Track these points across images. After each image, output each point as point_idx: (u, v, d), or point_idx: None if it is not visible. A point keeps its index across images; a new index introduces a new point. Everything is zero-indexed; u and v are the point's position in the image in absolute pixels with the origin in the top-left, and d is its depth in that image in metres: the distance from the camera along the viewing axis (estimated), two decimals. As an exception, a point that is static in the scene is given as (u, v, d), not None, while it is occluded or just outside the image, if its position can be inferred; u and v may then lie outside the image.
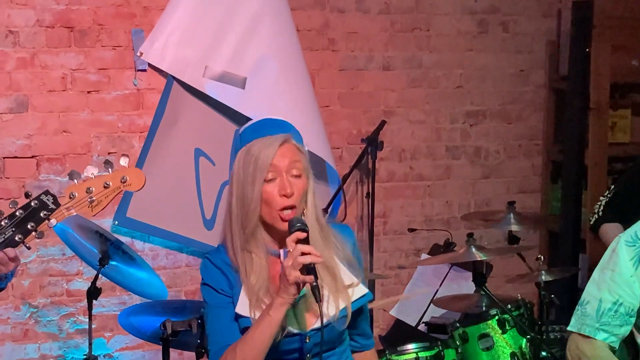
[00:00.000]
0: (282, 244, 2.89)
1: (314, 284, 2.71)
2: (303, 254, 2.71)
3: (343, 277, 2.92)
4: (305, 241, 2.76)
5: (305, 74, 5.27)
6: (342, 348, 2.99)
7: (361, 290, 2.96)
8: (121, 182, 2.93)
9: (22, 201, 2.91)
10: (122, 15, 5.03)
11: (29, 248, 2.98)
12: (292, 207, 2.83)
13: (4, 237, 2.88)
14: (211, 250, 2.97)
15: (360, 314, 3.02)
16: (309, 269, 2.71)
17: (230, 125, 5.05)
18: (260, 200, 2.83)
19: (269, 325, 2.75)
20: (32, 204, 2.89)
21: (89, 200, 2.91)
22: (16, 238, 2.89)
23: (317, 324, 2.84)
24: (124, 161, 2.93)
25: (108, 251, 4.20)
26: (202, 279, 2.94)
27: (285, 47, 5.17)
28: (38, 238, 2.94)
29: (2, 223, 2.89)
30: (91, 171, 2.91)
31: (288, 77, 5.14)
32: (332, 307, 2.87)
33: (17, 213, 2.89)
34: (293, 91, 5.17)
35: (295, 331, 2.85)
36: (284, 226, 2.83)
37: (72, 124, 4.95)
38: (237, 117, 5.01)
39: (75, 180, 2.91)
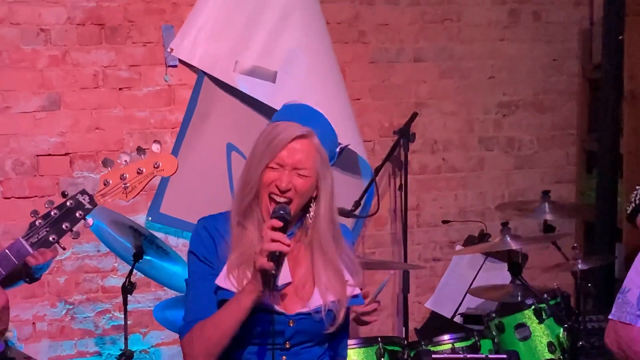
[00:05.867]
0: None
1: (273, 272, 2.65)
2: (273, 241, 2.67)
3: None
4: (282, 230, 2.70)
5: (335, 66, 5.26)
6: (321, 350, 2.92)
7: (353, 291, 2.90)
8: (154, 167, 2.94)
9: (59, 200, 2.91)
10: (152, 12, 5.04)
11: (64, 249, 2.98)
12: (286, 201, 2.78)
13: (37, 237, 2.88)
14: (209, 215, 2.93)
15: (343, 324, 2.92)
16: (275, 257, 2.66)
17: (261, 119, 5.05)
18: (259, 181, 2.79)
19: (236, 310, 2.70)
20: (68, 203, 2.90)
21: (123, 186, 2.93)
22: (50, 238, 2.89)
23: (304, 309, 2.82)
24: (156, 147, 2.94)
25: (142, 246, 4.21)
26: (189, 245, 2.91)
27: (315, 40, 5.16)
28: (74, 238, 2.94)
29: (37, 223, 2.89)
30: (124, 158, 2.94)
31: (318, 70, 5.13)
32: (324, 297, 2.82)
33: (52, 213, 2.89)
34: (324, 84, 5.15)
35: (280, 310, 2.80)
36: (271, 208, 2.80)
37: (104, 121, 4.96)
38: (268, 111, 5.00)
39: (109, 168, 2.92)
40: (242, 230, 2.83)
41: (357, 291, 2.91)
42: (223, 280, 2.79)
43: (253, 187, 2.80)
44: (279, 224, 2.71)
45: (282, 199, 2.78)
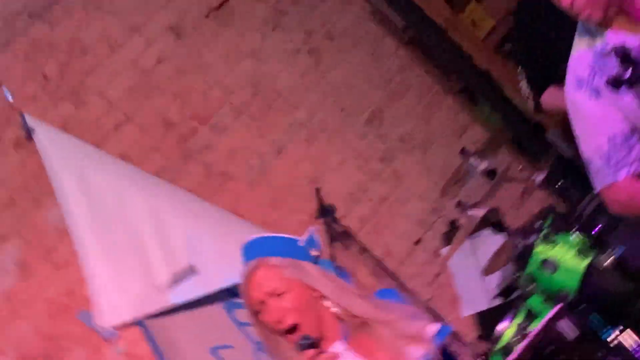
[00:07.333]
0: (327, 341, 2.87)
1: None
2: None
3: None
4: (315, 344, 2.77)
5: (227, 215, 5.26)
6: None
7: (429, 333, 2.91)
8: None
9: None
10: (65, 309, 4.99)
11: None
12: (294, 327, 2.82)
13: None
14: None
15: None
16: None
17: (219, 307, 5.04)
18: (269, 334, 2.85)
19: None
20: None
21: None
22: None
23: None
24: None
25: None
26: None
27: (196, 214, 5.16)
28: None
29: None
30: None
31: (219, 232, 5.12)
32: None
33: None
34: (234, 237, 5.12)
35: None
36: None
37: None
38: (220, 297, 4.99)
39: None
40: None
41: (433, 327, 2.92)
42: None
43: (273, 342, 2.84)
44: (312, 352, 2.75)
45: (293, 335, 2.81)
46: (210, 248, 5.07)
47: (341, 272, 5.20)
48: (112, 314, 4.99)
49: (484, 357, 4.55)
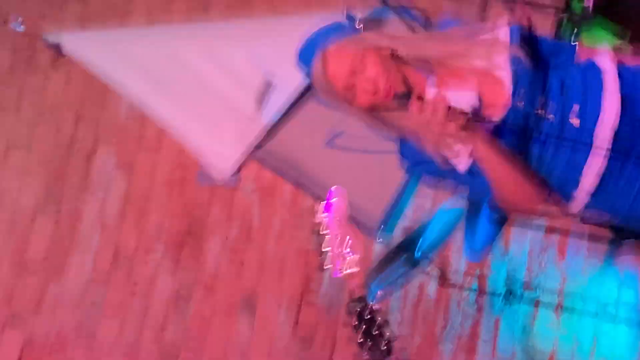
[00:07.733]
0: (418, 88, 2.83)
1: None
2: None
3: None
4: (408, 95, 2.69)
5: (270, 20, 5.24)
6: None
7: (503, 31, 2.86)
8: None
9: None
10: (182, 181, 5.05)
11: None
12: (389, 90, 2.76)
13: None
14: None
15: None
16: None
17: (315, 102, 5.03)
18: (370, 118, 2.83)
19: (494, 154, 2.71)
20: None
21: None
22: None
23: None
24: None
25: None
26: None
27: (243, 34, 5.12)
28: None
29: None
30: None
31: (273, 39, 5.06)
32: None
33: None
34: (289, 35, 5.04)
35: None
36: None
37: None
38: (310, 95, 4.97)
39: None
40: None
41: (503, 31, 2.84)
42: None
43: (377, 118, 2.82)
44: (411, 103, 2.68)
45: (391, 94, 2.76)
46: (274, 57, 5.03)
47: (402, 10, 5.10)
48: (223, 161, 5.04)
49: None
